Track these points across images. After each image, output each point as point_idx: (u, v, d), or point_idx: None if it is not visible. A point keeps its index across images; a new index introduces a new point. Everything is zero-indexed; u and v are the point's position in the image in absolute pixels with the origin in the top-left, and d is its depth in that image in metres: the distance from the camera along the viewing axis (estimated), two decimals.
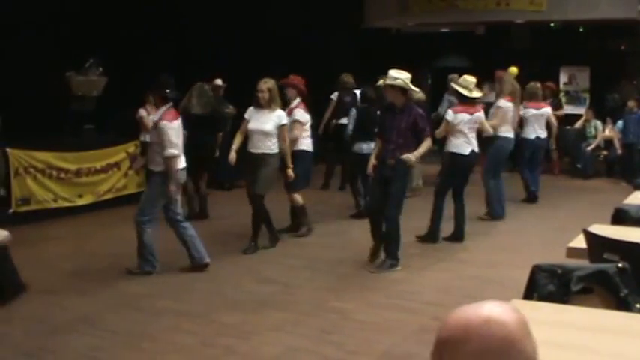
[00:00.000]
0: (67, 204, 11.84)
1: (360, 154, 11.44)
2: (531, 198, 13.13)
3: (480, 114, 10.20)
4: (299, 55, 17.00)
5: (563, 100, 17.97)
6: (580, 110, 17.48)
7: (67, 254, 9.66)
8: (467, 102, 10.05)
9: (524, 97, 12.90)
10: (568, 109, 17.68)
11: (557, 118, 16.72)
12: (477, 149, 10.08)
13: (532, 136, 12.77)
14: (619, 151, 15.84)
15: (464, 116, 9.94)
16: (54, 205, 11.61)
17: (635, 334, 3.40)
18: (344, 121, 13.08)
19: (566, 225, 10.11)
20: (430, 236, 10.04)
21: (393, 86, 8.65)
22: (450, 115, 10.10)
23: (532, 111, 12.89)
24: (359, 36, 18.24)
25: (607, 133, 16.38)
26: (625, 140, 15.60)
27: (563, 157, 17.08)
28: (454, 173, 10.14)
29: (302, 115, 10.15)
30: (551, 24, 17.85)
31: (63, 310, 7.35)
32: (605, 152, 16.33)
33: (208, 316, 7.15)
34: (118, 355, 6.22)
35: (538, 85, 13.48)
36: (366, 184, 11.65)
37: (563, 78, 18.46)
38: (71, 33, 12.81)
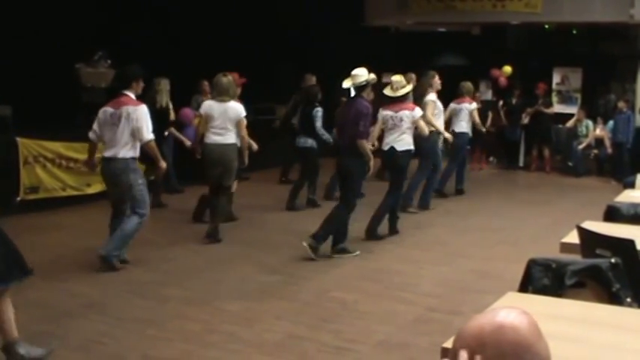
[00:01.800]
0: (75, 192, 11.86)
1: (296, 147, 12.09)
2: (458, 191, 13.53)
3: (406, 112, 10.04)
4: (300, 52, 17.01)
5: (555, 99, 17.99)
6: (572, 110, 17.50)
7: (74, 241, 9.67)
8: (393, 100, 10.10)
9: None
10: (560, 109, 17.69)
11: (548, 115, 16.88)
12: (399, 147, 9.93)
13: (450, 129, 13.03)
14: (609, 150, 15.91)
15: (386, 113, 10.07)
16: (62, 194, 11.64)
17: (625, 326, 3.44)
18: (294, 120, 13.36)
19: (559, 221, 10.18)
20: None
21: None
22: (379, 112, 10.26)
23: (452, 105, 13.26)
24: (359, 34, 18.23)
25: (598, 132, 16.42)
26: (615, 139, 15.69)
27: (554, 155, 17.13)
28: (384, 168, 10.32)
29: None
30: (546, 26, 17.87)
31: (69, 296, 7.36)
32: (595, 151, 16.38)
33: (213, 303, 7.18)
34: (123, 341, 6.22)
35: (465, 83, 13.58)
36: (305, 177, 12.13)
37: (556, 78, 18.43)
38: (80, 25, 12.81)
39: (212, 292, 7.54)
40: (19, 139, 11.00)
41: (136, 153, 8.22)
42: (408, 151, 10.03)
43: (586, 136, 16.51)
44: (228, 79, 9.64)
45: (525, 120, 16.97)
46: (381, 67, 18.13)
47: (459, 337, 1.83)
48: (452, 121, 13.14)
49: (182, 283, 7.88)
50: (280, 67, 17.28)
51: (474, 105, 13.51)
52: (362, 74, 8.92)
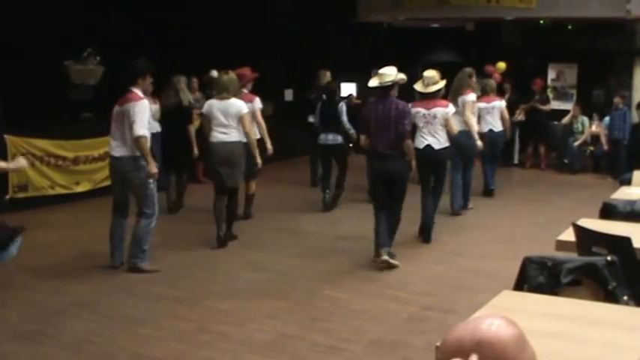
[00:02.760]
0: (64, 191, 11.85)
1: (324, 145, 11.93)
2: (487, 192, 13.27)
3: (439, 109, 9.89)
4: (290, 48, 17.01)
5: (551, 96, 18.01)
6: (567, 106, 17.53)
7: (64, 240, 9.69)
8: (423, 97, 9.94)
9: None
10: (555, 105, 17.70)
11: (544, 112, 16.88)
12: (436, 144, 9.81)
13: (485, 129, 12.72)
14: (605, 147, 15.93)
15: (418, 110, 9.83)
16: (51, 192, 11.64)
17: (622, 325, 3.45)
18: (310, 119, 13.28)
19: (555, 219, 10.19)
20: None
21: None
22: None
23: (481, 105, 12.68)
24: (351, 30, 18.22)
25: (594, 128, 16.45)
26: (611, 136, 15.70)
27: (550, 152, 17.15)
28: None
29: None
30: (541, 21, 17.87)
31: (60, 295, 7.38)
32: (591, 147, 16.40)
33: (204, 303, 7.21)
34: (114, 340, 6.26)
35: (489, 80, 13.45)
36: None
37: (551, 74, 18.48)
38: (70, 22, 12.79)
39: (203, 291, 7.57)
40: (7, 137, 10.99)
41: None
42: (446, 148, 9.93)
43: (582, 132, 16.53)
44: (229, 76, 9.55)
45: (519, 117, 16.94)
46: (372, 64, 18.20)
47: (440, 348, 1.81)
48: (486, 120, 12.78)
49: (174, 281, 7.91)
50: (269, 63, 17.29)
51: (504, 102, 13.37)
52: (390, 73, 8.61)
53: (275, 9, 17.19)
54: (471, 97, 11.69)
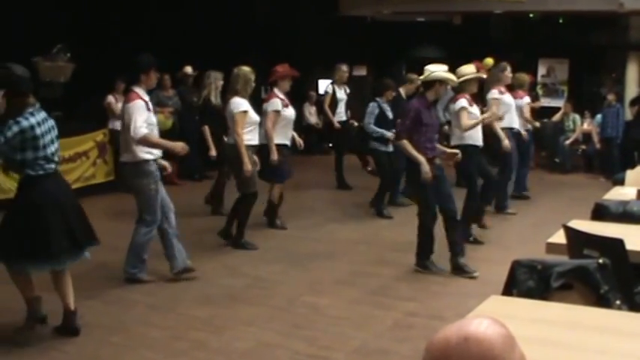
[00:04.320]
0: None
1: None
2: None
3: (450, 105, 9.79)
4: (272, 42, 17.00)
5: (540, 92, 18.06)
6: (557, 103, 17.61)
7: None
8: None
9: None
10: (545, 102, 17.75)
11: (533, 110, 16.82)
12: (451, 142, 9.73)
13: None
14: (598, 146, 16.00)
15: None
16: None
17: (615, 330, 3.45)
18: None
19: (545, 220, 10.21)
20: None
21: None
22: None
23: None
24: (333, 24, 18.21)
25: (586, 126, 16.51)
26: (604, 134, 15.77)
27: (540, 151, 17.17)
28: None
29: None
30: (531, 15, 17.91)
31: None
32: (583, 146, 16.47)
33: (178, 309, 7.18)
34: (87, 349, 6.22)
35: (520, 75, 13.12)
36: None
37: (541, 70, 18.56)
38: (39, 18, 12.73)
39: (178, 298, 7.55)
40: None
41: (148, 154, 7.82)
42: (459, 147, 9.44)
43: (573, 130, 16.60)
44: (236, 72, 9.48)
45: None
46: (356, 59, 18.18)
47: (427, 348, 1.84)
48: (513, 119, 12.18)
49: (147, 288, 7.87)
50: (252, 57, 17.27)
51: (527, 99, 12.94)
52: (433, 71, 8.27)
53: (256, 1, 17.17)
54: (493, 93, 11.46)
